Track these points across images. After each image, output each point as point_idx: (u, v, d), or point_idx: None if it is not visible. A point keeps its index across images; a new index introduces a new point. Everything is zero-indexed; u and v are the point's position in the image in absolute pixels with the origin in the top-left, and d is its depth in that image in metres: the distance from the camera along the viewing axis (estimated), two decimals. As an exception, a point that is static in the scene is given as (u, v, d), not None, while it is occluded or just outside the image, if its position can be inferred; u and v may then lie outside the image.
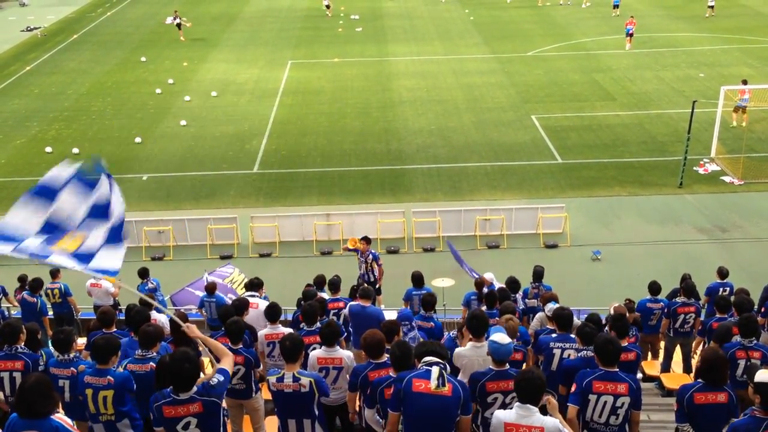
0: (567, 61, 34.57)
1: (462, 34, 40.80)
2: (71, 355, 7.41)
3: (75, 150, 25.68)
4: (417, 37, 40.55)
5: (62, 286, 13.37)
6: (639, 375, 10.94)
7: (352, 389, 7.07)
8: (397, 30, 42.41)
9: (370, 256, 14.30)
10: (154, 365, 7.09)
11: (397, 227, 19.39)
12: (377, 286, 14.26)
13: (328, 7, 45.88)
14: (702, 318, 10.97)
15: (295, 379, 6.51)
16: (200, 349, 7.92)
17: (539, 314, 10.61)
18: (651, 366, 11.52)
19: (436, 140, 25.76)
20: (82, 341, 10.52)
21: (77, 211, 6.21)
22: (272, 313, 8.89)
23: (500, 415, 5.57)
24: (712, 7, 42.03)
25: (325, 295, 11.47)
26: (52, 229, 6.03)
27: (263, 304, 10.34)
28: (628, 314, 9.80)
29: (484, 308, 9.80)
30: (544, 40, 38.59)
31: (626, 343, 7.70)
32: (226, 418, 6.08)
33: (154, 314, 9.84)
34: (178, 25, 41.14)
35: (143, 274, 13.71)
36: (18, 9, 53.54)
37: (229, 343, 7.58)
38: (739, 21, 41.43)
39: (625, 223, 19.88)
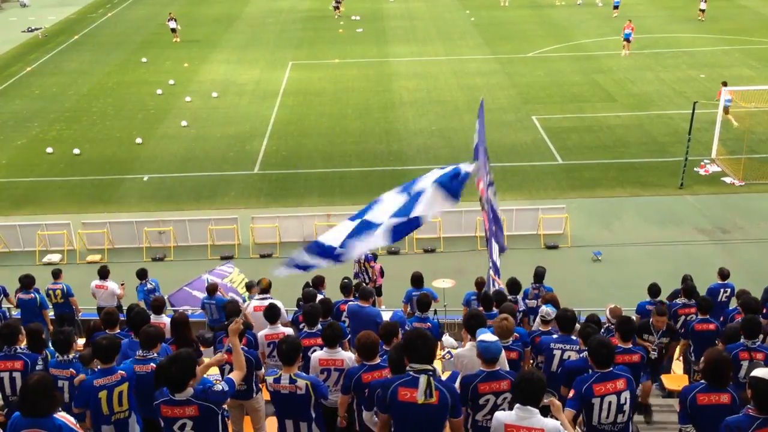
0: (568, 62, 34.58)
1: (463, 35, 40.81)
2: (71, 356, 7.41)
3: (76, 151, 25.72)
4: (418, 38, 40.56)
5: (64, 287, 13.37)
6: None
7: (345, 392, 6.98)
8: (397, 31, 42.42)
9: (363, 257, 14.25)
10: (155, 366, 7.10)
11: (398, 228, 19.35)
12: (376, 286, 14.24)
13: (336, 8, 45.29)
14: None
15: (292, 381, 6.50)
16: (201, 349, 7.94)
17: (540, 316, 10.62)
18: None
19: (437, 141, 25.76)
20: (81, 341, 10.51)
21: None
22: (272, 314, 8.89)
23: (501, 417, 5.55)
24: (703, 10, 41.56)
25: (322, 296, 11.45)
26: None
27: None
28: (659, 317, 9.65)
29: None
30: (545, 41, 38.59)
31: (630, 345, 7.66)
32: (226, 419, 6.08)
33: (160, 318, 9.85)
34: (173, 30, 40.69)
35: (142, 275, 13.70)
36: (19, 10, 53.60)
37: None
38: (739, 22, 41.42)
39: (625, 224, 19.88)
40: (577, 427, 6.48)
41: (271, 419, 7.97)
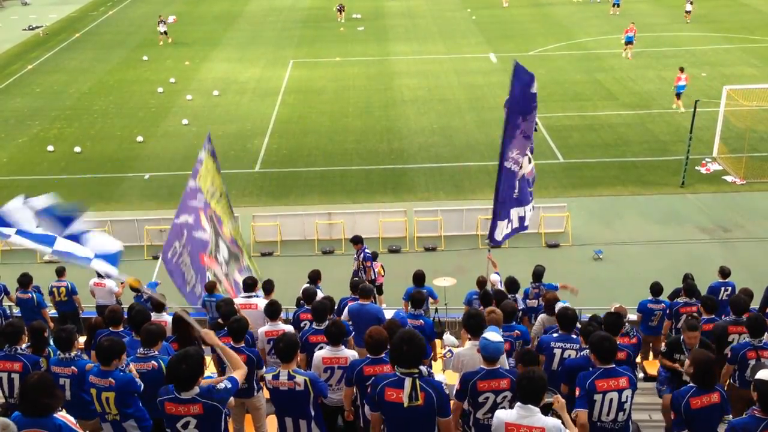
0: (569, 61, 34.56)
1: (464, 34, 40.79)
2: (72, 354, 7.41)
3: (77, 149, 25.72)
4: (419, 37, 40.54)
5: (69, 285, 13.33)
6: (640, 375, 10.96)
7: (348, 384, 7.00)
8: (399, 29, 42.40)
9: (362, 255, 14.27)
10: (156, 364, 7.09)
11: (399, 226, 19.38)
12: (376, 285, 14.23)
13: (340, 10, 45.06)
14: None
15: (290, 377, 6.49)
16: (204, 347, 7.93)
17: (541, 316, 10.60)
18: (652, 366, 11.50)
19: (438, 139, 25.75)
20: (82, 339, 10.50)
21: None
22: (272, 311, 8.92)
23: (501, 415, 5.56)
24: (689, 12, 41.22)
25: (320, 291, 11.45)
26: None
27: (262, 304, 10.35)
28: (690, 333, 9.39)
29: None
30: (546, 40, 38.57)
31: (618, 343, 7.67)
32: (227, 417, 6.08)
33: (161, 317, 9.84)
34: (164, 33, 40.14)
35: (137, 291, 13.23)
36: (20, 8, 53.60)
37: (232, 342, 7.57)
38: (741, 20, 41.36)
39: (626, 223, 19.87)
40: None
41: (271, 418, 7.96)
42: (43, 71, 36.31)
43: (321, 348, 7.98)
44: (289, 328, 9.12)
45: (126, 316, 9.49)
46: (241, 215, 19.63)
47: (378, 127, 27.30)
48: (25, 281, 12.58)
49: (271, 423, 7.96)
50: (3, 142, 27.13)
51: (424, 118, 27.96)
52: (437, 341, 10.53)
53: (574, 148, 24.56)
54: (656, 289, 11.38)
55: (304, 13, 47.72)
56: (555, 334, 8.11)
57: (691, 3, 41.19)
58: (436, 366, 9.70)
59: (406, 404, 5.55)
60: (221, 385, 5.78)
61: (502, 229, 12.00)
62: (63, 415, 5.60)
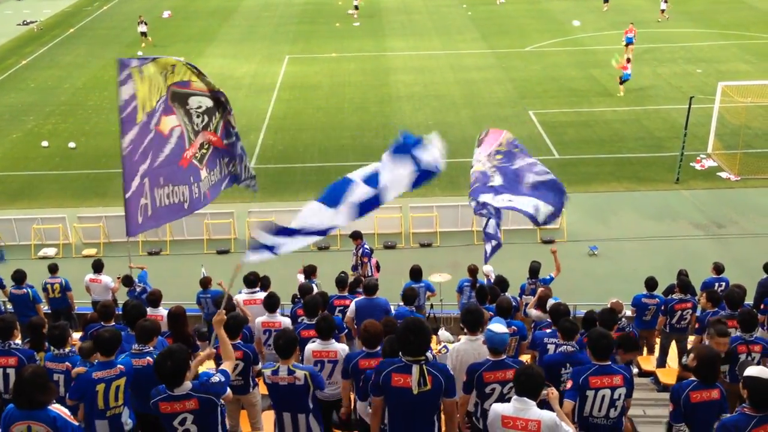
0: (564, 57, 34.57)
1: (460, 30, 40.77)
2: (66, 350, 7.40)
3: (71, 144, 25.65)
4: (415, 33, 40.51)
5: (63, 281, 13.30)
6: (635, 370, 11.01)
7: (344, 376, 7.06)
8: (395, 25, 42.36)
9: (360, 251, 14.28)
10: (151, 360, 7.09)
11: (394, 222, 19.39)
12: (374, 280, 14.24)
13: (356, 8, 44.89)
14: (698, 314, 10.98)
15: (290, 372, 6.53)
16: (197, 343, 7.94)
17: (533, 311, 10.64)
18: (647, 361, 11.56)
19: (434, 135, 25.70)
20: (77, 335, 10.49)
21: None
22: (271, 304, 9.07)
23: (498, 409, 5.59)
24: (663, 11, 41.04)
25: (315, 285, 11.50)
26: None
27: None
28: (720, 339, 9.22)
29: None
30: (542, 36, 38.58)
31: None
32: (224, 409, 6.08)
33: (157, 311, 9.85)
34: (143, 34, 38.39)
35: (127, 281, 12.85)
36: (14, 3, 53.35)
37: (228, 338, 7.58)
38: (736, 17, 41.44)
39: (621, 219, 19.91)
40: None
41: (267, 414, 7.98)
42: (37, 66, 36.18)
43: (312, 342, 8.03)
44: (286, 321, 9.19)
45: (120, 312, 9.50)
46: (236, 211, 19.69)
47: (374, 122, 27.29)
48: (19, 277, 12.57)
49: (266, 419, 7.97)
50: (-3, 138, 27.06)
51: (420, 113, 27.96)
52: (432, 337, 10.56)
53: (569, 144, 24.59)
54: (651, 283, 11.42)
55: (300, 8, 47.62)
56: (548, 330, 8.17)
57: (666, 1, 41.08)
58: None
59: (416, 391, 5.57)
60: (215, 379, 5.80)
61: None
62: (57, 407, 5.62)
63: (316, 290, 10.81)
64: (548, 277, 12.20)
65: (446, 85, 31.30)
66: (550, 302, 9.23)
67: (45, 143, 25.90)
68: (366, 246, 14.41)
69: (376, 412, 5.95)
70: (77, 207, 20.88)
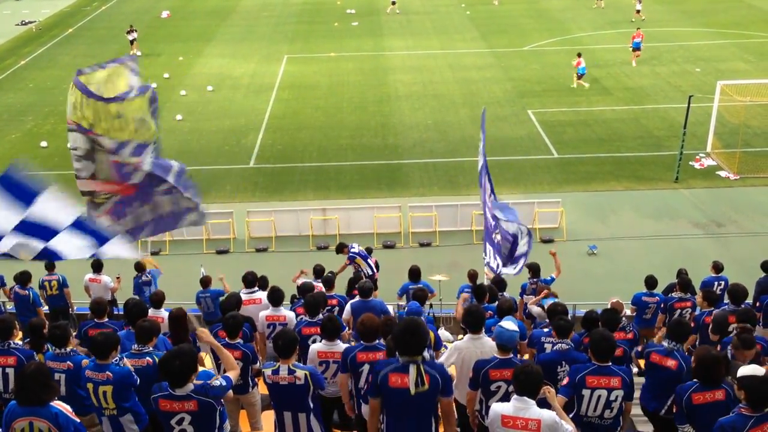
0: (563, 56, 34.49)
1: (458, 29, 40.76)
2: (68, 349, 7.41)
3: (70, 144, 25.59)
4: (413, 32, 40.49)
5: (60, 278, 13.31)
6: (635, 369, 10.99)
7: (343, 370, 7.04)
8: (393, 24, 42.35)
9: (350, 257, 14.03)
10: (151, 360, 7.08)
11: (394, 222, 19.39)
12: (373, 280, 14.19)
13: (393, 2, 44.94)
14: (696, 313, 10.99)
15: (291, 372, 6.52)
16: (198, 344, 7.93)
17: (535, 309, 10.65)
18: (646, 360, 11.55)
19: (433, 135, 25.75)
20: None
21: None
22: (275, 298, 9.15)
23: (498, 408, 5.58)
24: (639, 11, 40.82)
25: (320, 286, 11.48)
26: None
27: (266, 298, 10.36)
28: (746, 351, 8.93)
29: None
30: (541, 35, 38.58)
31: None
32: (223, 413, 6.08)
33: (159, 312, 9.84)
34: (132, 42, 36.88)
35: (139, 267, 13.61)
36: (13, 3, 53.28)
37: (227, 338, 7.59)
38: (734, 16, 41.46)
39: (621, 218, 19.92)
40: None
41: (266, 413, 7.98)
42: (36, 66, 36.15)
43: (314, 340, 8.03)
44: (290, 315, 9.21)
45: (120, 312, 9.51)
46: (235, 211, 19.69)
47: (372, 122, 27.28)
48: (24, 278, 12.63)
49: (266, 419, 7.97)
50: (-4, 138, 27.03)
51: (419, 113, 27.95)
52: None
53: (568, 143, 24.60)
54: (651, 282, 11.45)
55: (298, 8, 47.59)
56: (546, 329, 8.19)
57: (640, 2, 40.98)
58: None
59: (413, 391, 5.54)
60: (216, 382, 5.80)
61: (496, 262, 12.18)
62: (59, 404, 5.64)
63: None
64: (549, 278, 12.20)
65: (445, 84, 31.30)
66: (548, 302, 9.27)
67: (44, 143, 25.88)
68: (354, 249, 14.12)
69: (373, 412, 5.94)
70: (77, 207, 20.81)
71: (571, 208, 19.89)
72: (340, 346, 7.42)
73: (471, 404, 6.73)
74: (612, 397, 6.41)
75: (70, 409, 5.68)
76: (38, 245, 6.04)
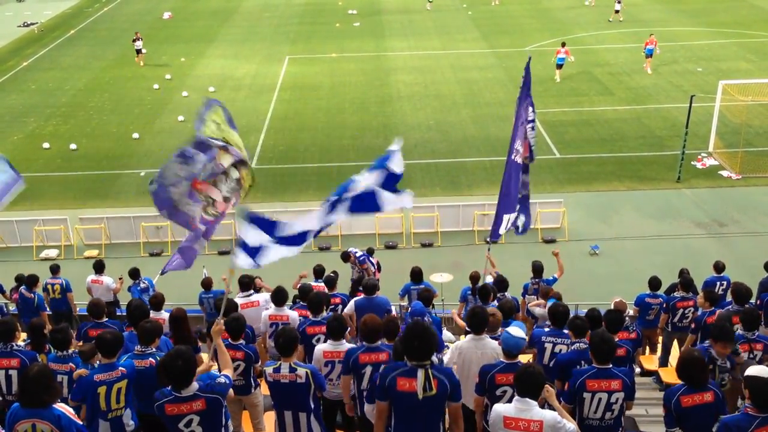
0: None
1: (460, 29, 40.75)
2: (70, 351, 7.43)
3: (72, 146, 25.66)
4: (415, 32, 40.49)
5: (63, 282, 13.33)
6: (637, 369, 11.00)
7: (345, 372, 7.03)
8: (395, 25, 42.36)
9: (357, 261, 14.08)
10: (154, 361, 7.10)
11: (395, 222, 19.39)
12: (375, 280, 14.20)
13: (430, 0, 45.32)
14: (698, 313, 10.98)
15: (292, 370, 6.52)
16: (198, 345, 7.95)
17: (538, 310, 10.64)
18: (649, 360, 11.55)
19: (434, 135, 25.75)
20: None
21: None
22: (279, 298, 9.19)
23: (499, 409, 5.57)
24: (618, 11, 40.75)
25: (321, 285, 11.50)
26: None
27: (263, 300, 10.38)
28: None
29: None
30: (542, 35, 38.56)
31: (618, 339, 7.70)
32: (228, 413, 6.09)
33: (159, 315, 9.85)
34: (138, 51, 35.77)
35: (134, 274, 13.36)
36: (15, 4, 53.38)
37: (230, 339, 7.59)
38: (736, 15, 41.41)
39: (623, 218, 19.90)
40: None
41: (269, 414, 7.98)
42: (38, 68, 36.19)
43: (318, 339, 8.02)
44: (293, 314, 9.21)
45: (122, 313, 9.53)
46: (236, 211, 19.64)
47: (374, 123, 27.29)
48: (32, 281, 12.70)
49: (269, 420, 7.97)
50: (-2, 140, 27.08)
51: (421, 113, 27.95)
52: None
53: (570, 143, 24.58)
54: (654, 283, 11.42)
55: (300, 8, 47.62)
56: (547, 329, 8.18)
57: (619, 2, 40.89)
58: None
59: (420, 396, 5.52)
60: (220, 380, 5.83)
61: (507, 223, 12.01)
62: (62, 406, 5.66)
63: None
64: (551, 278, 12.19)
65: (447, 84, 31.29)
66: (549, 303, 9.26)
67: (46, 145, 25.91)
68: (359, 253, 14.20)
69: (380, 416, 5.92)
70: (79, 208, 20.88)
71: (573, 208, 19.87)
72: (346, 346, 7.39)
73: (479, 410, 6.71)
74: (612, 400, 6.40)
75: (72, 412, 5.70)
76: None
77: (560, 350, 7.84)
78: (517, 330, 6.42)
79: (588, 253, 18.15)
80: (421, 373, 5.53)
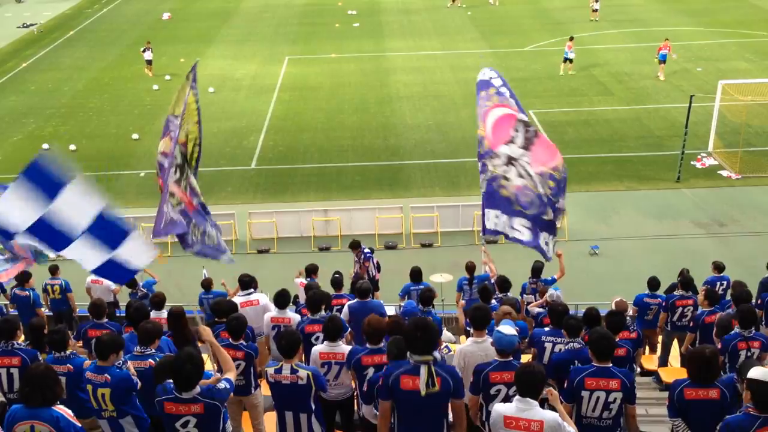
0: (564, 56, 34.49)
1: (459, 30, 40.75)
2: (68, 352, 7.42)
3: (72, 147, 25.65)
4: (414, 33, 40.49)
5: (63, 283, 13.30)
6: (637, 369, 11.00)
7: (347, 367, 7.14)
8: (394, 25, 42.35)
9: (362, 257, 14.12)
10: (153, 362, 7.09)
11: (395, 223, 19.39)
12: (374, 281, 14.20)
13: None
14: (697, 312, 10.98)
15: (293, 371, 6.53)
16: (199, 345, 7.93)
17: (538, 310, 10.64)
18: (649, 360, 11.55)
19: (434, 135, 25.76)
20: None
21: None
22: (282, 301, 9.17)
23: (500, 409, 5.57)
24: (596, 10, 40.78)
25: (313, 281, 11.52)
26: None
27: (263, 299, 10.37)
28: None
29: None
30: (541, 35, 38.56)
31: (618, 339, 7.70)
32: (226, 417, 6.08)
33: (161, 314, 9.86)
34: (149, 62, 34.04)
35: (131, 284, 12.72)
36: (14, 5, 53.35)
37: (230, 339, 7.59)
38: (736, 15, 41.40)
39: (622, 218, 19.91)
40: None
41: (269, 415, 7.97)
42: (37, 69, 36.19)
43: (317, 338, 8.02)
44: (295, 317, 9.21)
45: (122, 314, 9.52)
46: (237, 212, 19.69)
47: (374, 123, 27.29)
48: (23, 278, 12.57)
49: (269, 420, 7.96)
50: (-2, 141, 27.08)
51: (420, 114, 27.96)
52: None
53: (569, 143, 24.57)
54: (653, 283, 11.43)
55: (300, 9, 47.61)
56: (546, 328, 8.19)
57: (597, 1, 40.91)
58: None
59: (423, 392, 5.53)
60: (221, 385, 5.82)
61: (490, 217, 11.74)
62: (61, 408, 5.65)
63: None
64: (550, 279, 12.19)
65: (446, 85, 31.29)
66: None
67: (46, 146, 25.88)
68: (366, 249, 14.26)
69: (384, 415, 5.92)
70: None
71: (572, 208, 19.80)
72: (342, 347, 7.41)
73: (474, 409, 6.72)
74: (610, 399, 6.38)
75: (71, 413, 5.70)
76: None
77: (560, 349, 7.84)
78: (507, 328, 6.42)
79: (588, 253, 18.15)
80: (424, 369, 5.55)
